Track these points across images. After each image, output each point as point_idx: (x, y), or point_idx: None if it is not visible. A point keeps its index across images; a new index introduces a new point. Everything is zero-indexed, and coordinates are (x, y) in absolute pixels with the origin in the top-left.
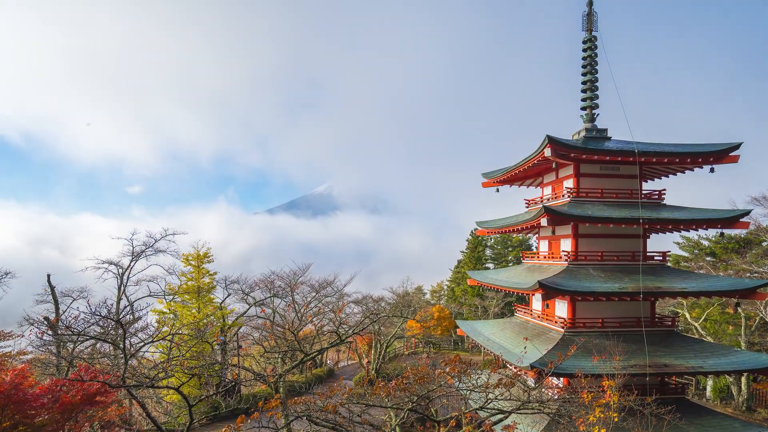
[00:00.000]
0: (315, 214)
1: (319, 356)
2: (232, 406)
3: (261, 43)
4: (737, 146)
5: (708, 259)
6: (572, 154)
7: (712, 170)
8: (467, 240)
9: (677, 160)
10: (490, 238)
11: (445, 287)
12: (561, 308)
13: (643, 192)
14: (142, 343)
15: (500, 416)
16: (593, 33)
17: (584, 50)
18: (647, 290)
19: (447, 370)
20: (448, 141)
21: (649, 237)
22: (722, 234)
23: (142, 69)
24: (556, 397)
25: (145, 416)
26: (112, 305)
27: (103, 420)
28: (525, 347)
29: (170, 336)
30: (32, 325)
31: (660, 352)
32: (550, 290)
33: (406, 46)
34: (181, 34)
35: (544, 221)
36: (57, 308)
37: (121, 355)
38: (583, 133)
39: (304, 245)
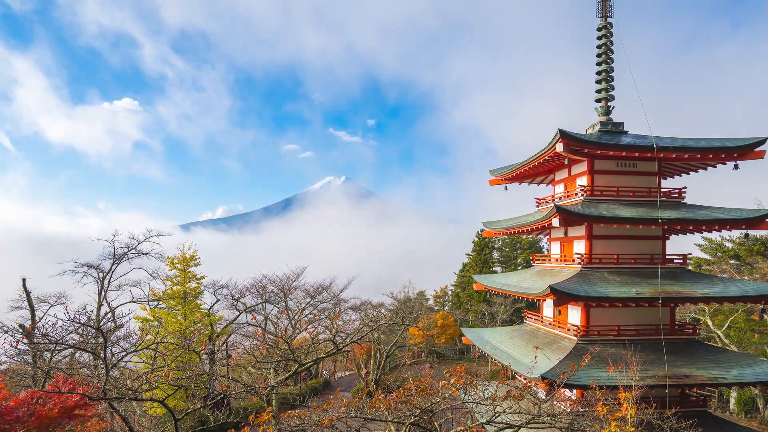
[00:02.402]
0: (311, 213)
1: (315, 366)
2: (220, 420)
3: None
4: (763, 141)
5: (732, 262)
6: (586, 150)
7: (736, 167)
8: (473, 242)
9: (698, 156)
10: (498, 240)
11: (450, 292)
12: (574, 315)
13: (662, 190)
14: (125, 353)
15: (509, 431)
16: (609, 19)
17: (599, 38)
18: (666, 296)
19: (452, 381)
20: (450, 138)
21: (668, 238)
22: (747, 235)
23: None
24: (568, 410)
25: (127, 431)
26: (92, 312)
27: None
28: (535, 357)
29: (154, 345)
30: (6, 333)
31: (680, 362)
32: (562, 296)
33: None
34: None
35: (555, 221)
36: (33, 315)
37: (102, 366)
38: (597, 127)
39: (297, 248)
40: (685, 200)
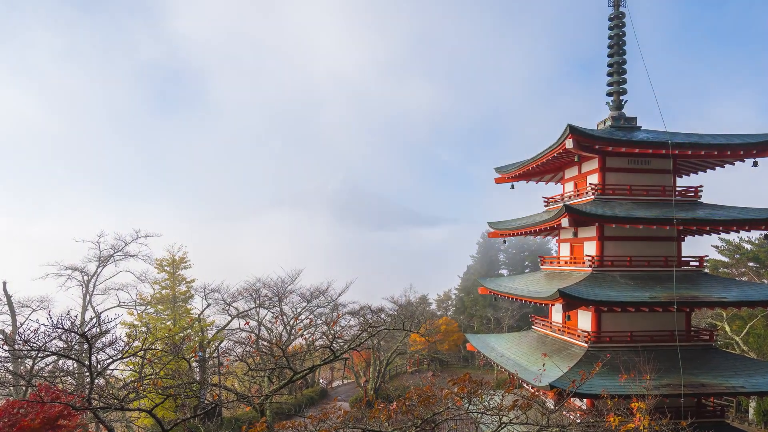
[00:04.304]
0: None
1: (311, 375)
2: (212, 431)
3: None
4: None
5: (751, 264)
6: (597, 146)
7: (755, 164)
8: (478, 243)
9: (715, 153)
10: (504, 241)
11: (453, 297)
12: (584, 320)
13: (677, 189)
14: (111, 360)
15: None
16: (621, 9)
17: (610, 28)
18: (682, 300)
19: (455, 390)
20: (454, 133)
21: (683, 240)
22: (767, 236)
23: None
24: (578, 421)
25: None
26: (76, 317)
27: None
28: (543, 364)
29: (142, 351)
30: None
31: (696, 370)
32: (571, 300)
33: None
34: None
35: (565, 222)
36: (14, 320)
37: (87, 373)
38: (609, 122)
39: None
40: (701, 199)
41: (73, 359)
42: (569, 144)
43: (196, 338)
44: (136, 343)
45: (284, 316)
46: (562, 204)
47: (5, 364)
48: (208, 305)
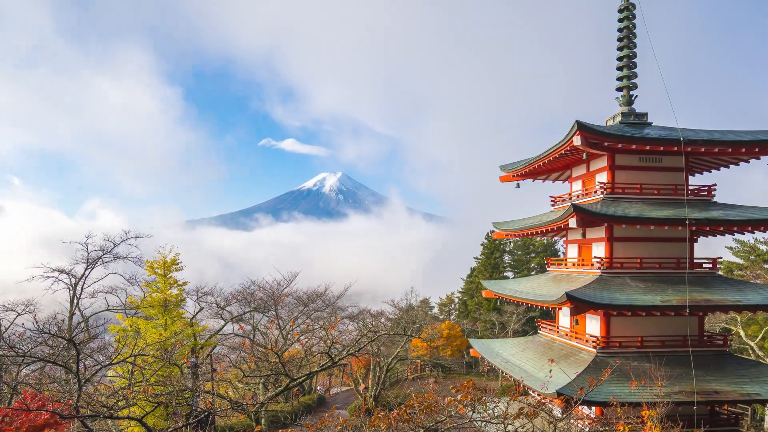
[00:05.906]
0: (303, 215)
1: (308, 381)
2: None
3: None
4: None
5: (767, 266)
6: (606, 143)
7: None
8: (482, 244)
9: (730, 150)
10: (510, 242)
11: (456, 300)
12: (593, 325)
13: (690, 187)
14: (99, 366)
15: None
16: (631, 0)
17: (620, 20)
18: (695, 303)
19: (458, 397)
20: (457, 131)
21: (696, 240)
22: None
23: None
24: (587, 429)
25: None
26: (63, 321)
27: None
28: (550, 371)
29: (132, 357)
30: None
31: (709, 377)
32: (579, 304)
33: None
34: None
35: (572, 222)
36: None
37: (74, 380)
38: (618, 118)
39: (289, 252)
40: (714, 199)
41: (60, 365)
42: (577, 141)
43: (188, 344)
44: (126, 349)
45: (280, 321)
46: (569, 203)
47: None
48: (201, 309)
